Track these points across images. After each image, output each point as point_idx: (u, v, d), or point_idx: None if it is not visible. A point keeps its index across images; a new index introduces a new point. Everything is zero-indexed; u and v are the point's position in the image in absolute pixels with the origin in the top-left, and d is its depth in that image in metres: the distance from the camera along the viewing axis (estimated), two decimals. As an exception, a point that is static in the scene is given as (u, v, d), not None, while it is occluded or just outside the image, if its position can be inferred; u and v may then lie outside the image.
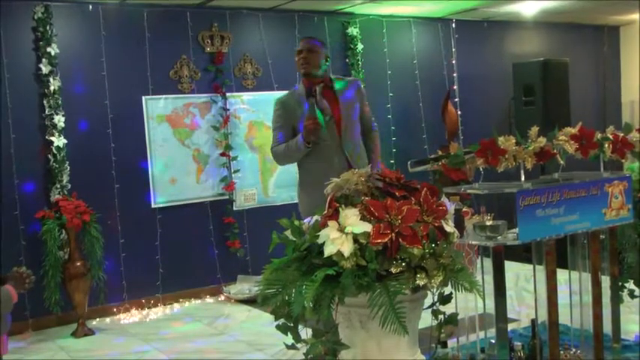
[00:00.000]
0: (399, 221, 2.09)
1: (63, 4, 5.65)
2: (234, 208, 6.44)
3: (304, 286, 2.05)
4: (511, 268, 6.13)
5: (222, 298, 6.22)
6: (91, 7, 5.76)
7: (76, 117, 5.70)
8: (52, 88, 5.51)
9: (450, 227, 2.22)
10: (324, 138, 3.90)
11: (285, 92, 4.21)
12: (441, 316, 2.36)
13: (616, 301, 3.69)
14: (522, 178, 3.14)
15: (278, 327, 2.22)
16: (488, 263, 3.17)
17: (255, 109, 6.57)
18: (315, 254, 2.12)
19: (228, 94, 6.38)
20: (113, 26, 5.88)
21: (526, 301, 5.38)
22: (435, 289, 2.16)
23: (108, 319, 5.74)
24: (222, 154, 6.35)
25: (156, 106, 6.08)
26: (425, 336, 2.43)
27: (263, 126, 6.60)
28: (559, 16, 8.22)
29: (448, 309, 2.36)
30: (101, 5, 5.80)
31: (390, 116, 7.35)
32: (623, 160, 3.54)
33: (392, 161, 7.20)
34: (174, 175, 6.16)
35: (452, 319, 2.37)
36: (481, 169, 3.11)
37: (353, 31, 7.06)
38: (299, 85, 4.08)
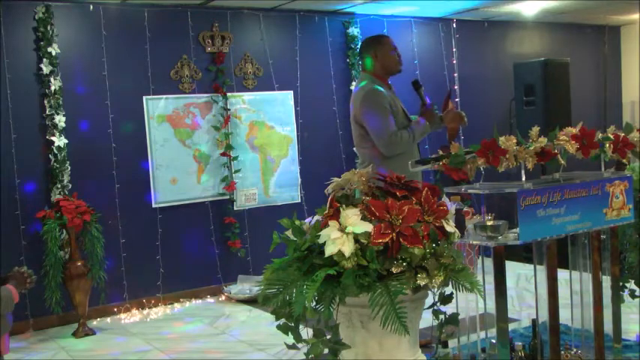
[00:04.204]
0: (400, 221, 2.09)
1: (64, 4, 5.66)
2: (235, 208, 6.44)
3: (305, 286, 2.05)
4: (512, 268, 6.13)
5: (222, 298, 6.22)
6: (91, 7, 5.76)
7: (76, 117, 5.70)
8: (52, 88, 5.51)
9: (450, 227, 2.22)
10: None
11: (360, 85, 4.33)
12: (441, 316, 2.36)
13: (617, 301, 3.68)
14: (523, 178, 3.13)
15: (279, 327, 2.21)
16: (489, 263, 3.16)
17: (256, 109, 6.57)
18: (315, 254, 2.12)
19: (228, 94, 6.38)
20: (114, 26, 5.88)
21: (527, 301, 5.38)
22: (435, 289, 2.16)
23: (109, 319, 5.74)
24: (223, 154, 6.34)
25: (156, 106, 6.08)
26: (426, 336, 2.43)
27: (264, 126, 6.61)
28: (560, 16, 8.21)
29: (449, 309, 2.36)
30: (102, 5, 5.80)
31: (390, 116, 7.34)
32: (624, 161, 3.54)
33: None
34: (175, 175, 6.16)
35: (453, 319, 2.37)
36: (482, 169, 3.10)
37: (354, 31, 7.05)
38: (378, 81, 4.28)
